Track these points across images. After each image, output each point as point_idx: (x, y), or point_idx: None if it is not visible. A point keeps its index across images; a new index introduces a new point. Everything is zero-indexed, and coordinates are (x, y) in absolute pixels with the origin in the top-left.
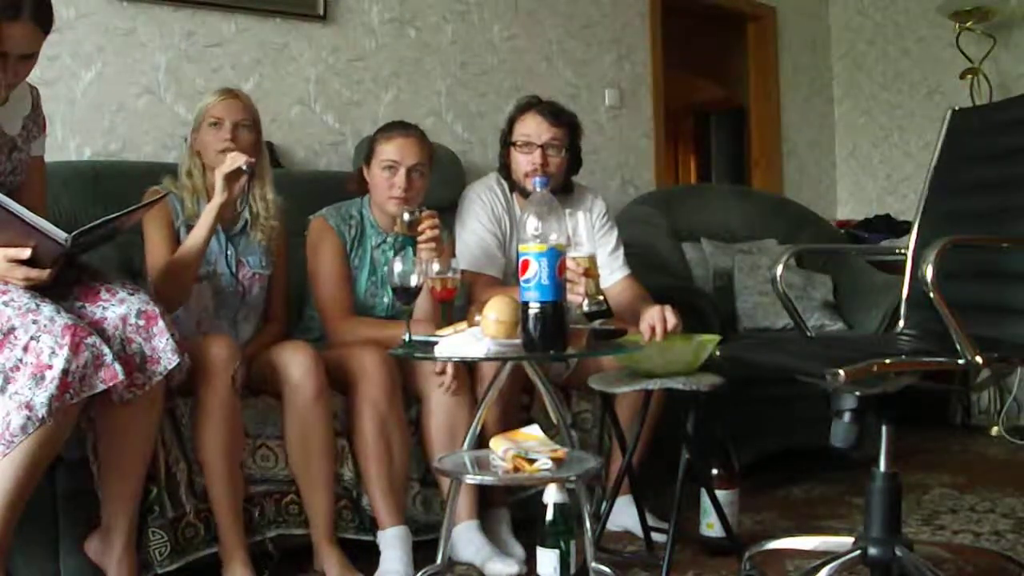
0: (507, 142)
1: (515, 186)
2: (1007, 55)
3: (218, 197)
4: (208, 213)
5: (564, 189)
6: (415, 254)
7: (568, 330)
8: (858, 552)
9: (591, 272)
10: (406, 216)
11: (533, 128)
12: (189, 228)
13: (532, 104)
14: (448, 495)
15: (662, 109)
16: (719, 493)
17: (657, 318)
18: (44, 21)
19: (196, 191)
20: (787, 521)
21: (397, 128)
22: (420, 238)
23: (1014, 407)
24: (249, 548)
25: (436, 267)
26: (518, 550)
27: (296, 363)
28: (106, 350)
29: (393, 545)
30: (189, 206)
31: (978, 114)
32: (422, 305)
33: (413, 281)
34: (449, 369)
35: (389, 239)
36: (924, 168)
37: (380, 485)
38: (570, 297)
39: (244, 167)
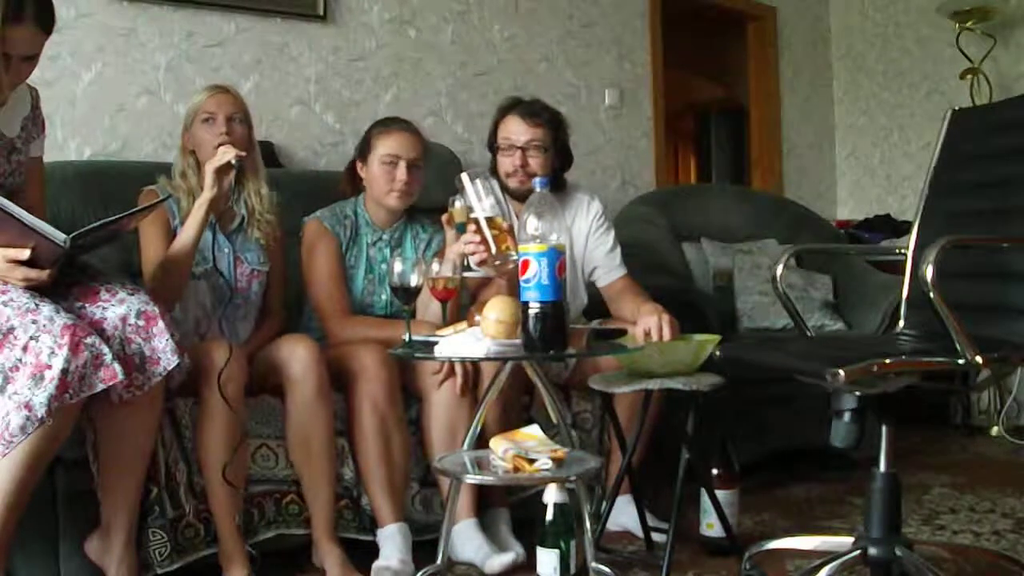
0: (492, 146)
1: (506, 187)
2: (1007, 55)
3: (208, 192)
4: (198, 209)
5: (554, 187)
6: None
7: (568, 330)
8: (858, 552)
9: (498, 226)
10: (459, 204)
11: (513, 130)
12: None
13: (512, 106)
14: (448, 495)
15: (662, 109)
16: (719, 493)
17: (654, 326)
18: (46, 23)
19: (192, 191)
20: (787, 521)
21: (395, 123)
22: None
23: (1014, 407)
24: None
25: (436, 267)
26: (518, 549)
27: (297, 358)
28: (105, 350)
29: (392, 540)
30: (185, 206)
31: (978, 114)
32: (432, 310)
33: (413, 281)
34: (458, 369)
35: (385, 236)
36: (924, 168)
37: (380, 483)
38: (482, 268)
39: (233, 161)
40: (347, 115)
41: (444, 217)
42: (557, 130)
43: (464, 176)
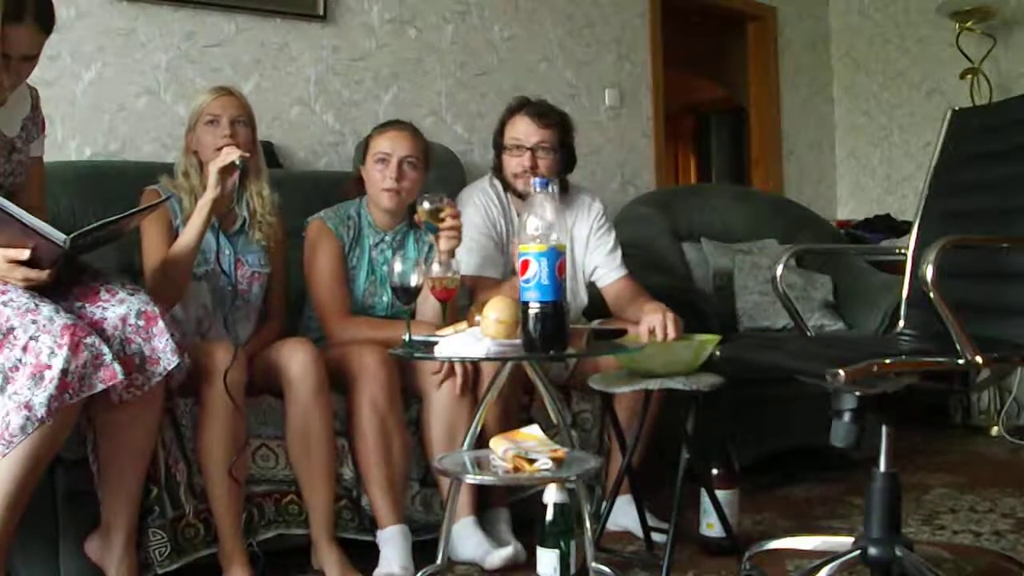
0: (498, 145)
1: (509, 186)
2: (1007, 55)
3: (211, 192)
4: (201, 209)
5: (558, 188)
6: (436, 243)
7: (568, 330)
8: (858, 552)
9: None
10: (426, 204)
11: (522, 131)
12: None
13: (521, 106)
14: (448, 495)
15: (662, 109)
16: (719, 493)
17: (658, 324)
18: (46, 22)
19: (193, 191)
20: (787, 521)
21: (390, 123)
22: (443, 226)
23: (1014, 407)
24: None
25: (436, 267)
26: (517, 546)
27: (296, 360)
28: (105, 350)
29: (392, 543)
30: (187, 206)
31: (978, 114)
32: (432, 309)
33: (413, 281)
34: (458, 369)
35: (387, 238)
36: (924, 168)
37: (380, 484)
38: None
39: (237, 161)
40: (347, 115)
41: (415, 217)
42: (565, 131)
43: (536, 181)
